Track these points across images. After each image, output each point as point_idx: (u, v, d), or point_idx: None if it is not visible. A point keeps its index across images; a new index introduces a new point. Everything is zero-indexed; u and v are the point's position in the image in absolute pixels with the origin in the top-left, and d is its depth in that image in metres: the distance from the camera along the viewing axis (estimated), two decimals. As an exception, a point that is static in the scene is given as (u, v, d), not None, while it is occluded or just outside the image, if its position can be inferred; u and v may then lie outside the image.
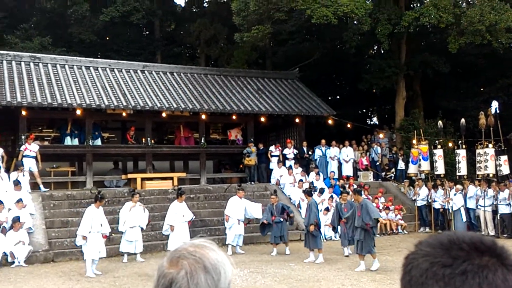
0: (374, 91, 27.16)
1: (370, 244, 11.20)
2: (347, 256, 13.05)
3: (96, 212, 11.74)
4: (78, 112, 17.53)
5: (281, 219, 13.84)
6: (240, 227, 13.97)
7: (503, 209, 16.14)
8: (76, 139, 18.52)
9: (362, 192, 13.85)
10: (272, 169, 19.86)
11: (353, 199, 12.94)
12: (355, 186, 16.93)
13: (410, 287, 0.95)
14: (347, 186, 18.10)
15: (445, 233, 1.00)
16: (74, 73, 19.21)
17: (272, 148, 20.54)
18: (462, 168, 17.77)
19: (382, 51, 28.07)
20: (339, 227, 13.62)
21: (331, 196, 17.26)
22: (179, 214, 13.15)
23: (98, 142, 18.74)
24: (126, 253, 12.68)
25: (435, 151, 18.48)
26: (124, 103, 18.07)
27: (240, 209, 14.04)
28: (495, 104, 16.83)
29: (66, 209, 15.43)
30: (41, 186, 16.36)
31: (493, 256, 0.93)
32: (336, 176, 19.74)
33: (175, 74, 21.27)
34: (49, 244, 13.77)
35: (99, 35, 27.89)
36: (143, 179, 18.16)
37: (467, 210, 17.09)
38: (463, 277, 0.88)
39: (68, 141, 18.41)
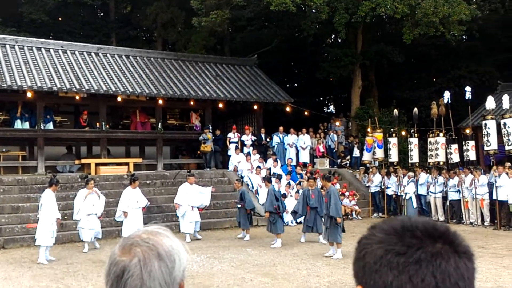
0: (331, 79, 27.48)
1: (336, 232, 11.04)
2: (302, 241, 13.19)
3: (52, 196, 11.45)
4: (29, 94, 16.90)
5: (239, 205, 14.00)
6: (195, 213, 13.82)
7: (452, 196, 16.75)
8: (27, 123, 17.89)
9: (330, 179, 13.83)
10: (230, 156, 19.82)
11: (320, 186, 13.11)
12: (312, 174, 17.11)
13: (363, 273, 0.96)
14: (314, 173, 18.29)
15: (398, 218, 1.00)
16: (24, 54, 18.48)
17: (230, 134, 20.48)
18: (414, 156, 18.30)
19: (339, 40, 28.38)
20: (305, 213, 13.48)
21: (288, 183, 17.42)
22: (132, 200, 12.90)
23: (50, 126, 18.16)
24: (85, 242, 12.19)
25: (389, 139, 18.94)
26: (77, 86, 17.55)
27: (192, 195, 13.92)
28: (447, 95, 17.35)
29: (17, 195, 14.91)
30: None
31: (446, 243, 0.94)
32: (293, 163, 19.92)
33: (131, 57, 20.80)
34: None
35: (51, 15, 26.89)
36: (97, 165, 17.76)
37: (418, 196, 17.63)
38: (416, 266, 0.89)
39: (18, 124, 17.77)
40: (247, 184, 18.03)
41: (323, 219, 12.10)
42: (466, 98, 16.93)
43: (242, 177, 15.86)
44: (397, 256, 0.90)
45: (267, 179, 14.52)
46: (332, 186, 11.94)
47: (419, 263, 0.89)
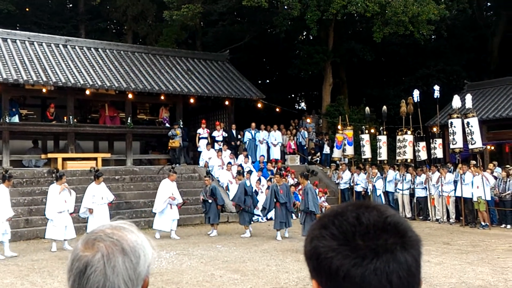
0: (302, 76, 27.62)
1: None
2: (279, 240, 12.96)
3: (6, 192, 11.15)
4: (-6, 86, 16.42)
5: (209, 201, 13.95)
6: (174, 211, 13.69)
7: (419, 193, 17.08)
8: (-9, 116, 17.37)
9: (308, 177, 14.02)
10: (200, 152, 19.71)
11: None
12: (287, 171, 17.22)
13: (319, 274, 1.00)
14: (282, 169, 18.49)
15: (348, 216, 1.01)
16: (-11, 44, 17.92)
17: (200, 130, 20.36)
18: (383, 153, 18.58)
19: (311, 38, 28.53)
20: (274, 209, 13.46)
21: (259, 179, 17.44)
22: (97, 196, 12.65)
23: (16, 119, 17.69)
24: (54, 241, 11.76)
25: (362, 136, 19.17)
26: (44, 79, 17.13)
27: (171, 192, 13.79)
28: (416, 93, 17.64)
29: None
30: None
31: (396, 238, 0.98)
32: (265, 159, 19.96)
33: (100, 50, 20.42)
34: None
35: (18, 6, 26.17)
36: (64, 159, 17.41)
37: (386, 193, 17.92)
38: (372, 274, 0.94)
39: (-18, 117, 17.24)
40: (218, 181, 17.99)
41: (296, 215, 12.29)
42: (435, 97, 17.25)
43: (209, 172, 15.83)
44: (354, 268, 0.95)
45: (240, 173, 14.68)
46: (308, 183, 12.40)
47: (375, 272, 0.94)
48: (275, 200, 13.17)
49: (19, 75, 16.82)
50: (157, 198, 13.81)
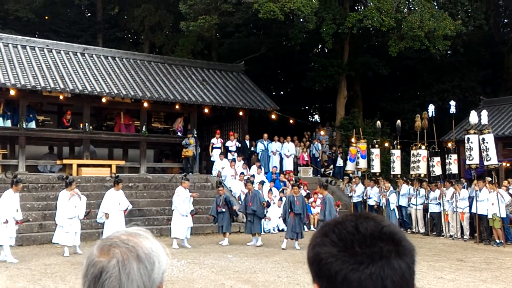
0: (316, 89, 27.65)
1: None
2: (284, 249, 13.21)
3: (15, 197, 11.24)
4: (12, 92, 16.67)
5: (223, 210, 13.96)
6: (188, 219, 13.63)
7: (433, 208, 16.91)
8: (9, 121, 17.62)
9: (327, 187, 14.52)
10: (213, 161, 19.76)
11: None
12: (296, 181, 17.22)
13: (320, 277, 1.09)
14: (299, 181, 18.58)
15: (346, 225, 1.09)
16: (9, 51, 18.23)
17: (213, 140, 20.43)
18: (396, 168, 18.46)
19: (326, 50, 28.60)
20: (288, 219, 13.72)
21: (270, 190, 17.43)
22: (114, 202, 12.72)
23: (32, 125, 17.91)
24: (66, 246, 11.81)
25: (372, 150, 19.09)
26: (62, 86, 17.36)
27: (185, 200, 13.78)
28: (431, 108, 17.53)
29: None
30: None
31: (391, 245, 1.06)
32: (277, 171, 19.94)
33: (117, 59, 20.66)
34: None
35: (38, 14, 26.63)
36: (79, 166, 17.56)
37: (400, 207, 17.77)
38: (368, 279, 1.02)
39: (0, 122, 17.48)
40: (230, 190, 18.00)
41: (308, 227, 12.49)
42: (451, 112, 17.13)
43: (222, 182, 15.88)
44: (351, 272, 1.03)
45: (250, 181, 14.83)
46: (328, 194, 13.23)
47: (370, 277, 1.02)
48: (289, 210, 13.40)
49: (37, 82, 17.07)
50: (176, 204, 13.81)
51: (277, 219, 16.52)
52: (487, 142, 15.04)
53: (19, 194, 11.64)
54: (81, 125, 18.42)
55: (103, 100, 18.27)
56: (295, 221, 13.29)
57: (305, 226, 14.54)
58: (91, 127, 18.64)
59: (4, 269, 10.08)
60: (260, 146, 20.98)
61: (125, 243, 1.17)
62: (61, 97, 17.61)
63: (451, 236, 16.09)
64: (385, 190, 17.73)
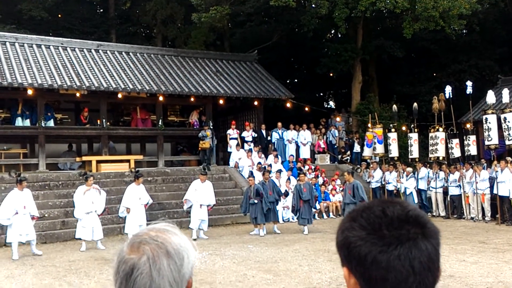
0: (331, 75, 27.44)
1: None
2: (306, 234, 13.63)
3: (21, 194, 11.49)
4: (29, 92, 16.90)
5: (255, 201, 13.81)
6: (202, 211, 13.61)
7: (453, 191, 16.75)
8: (28, 120, 17.89)
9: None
10: (230, 152, 19.82)
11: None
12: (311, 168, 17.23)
13: (349, 261, 1.13)
14: (305, 168, 18.58)
15: (374, 210, 1.14)
16: (24, 51, 18.46)
17: (229, 131, 20.47)
18: (414, 151, 18.29)
19: (339, 35, 28.32)
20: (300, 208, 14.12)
21: (289, 178, 17.43)
22: (135, 197, 12.89)
23: (51, 123, 18.16)
24: (84, 241, 12.09)
25: (389, 134, 18.93)
26: (78, 83, 17.53)
27: (201, 193, 13.79)
28: (448, 89, 17.29)
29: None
30: None
31: (418, 228, 1.10)
32: (294, 159, 19.93)
33: (131, 54, 20.77)
34: (1, 228, 13.30)
35: (51, 12, 26.83)
36: (98, 162, 17.78)
37: (419, 191, 17.64)
38: (396, 259, 1.07)
39: (19, 122, 17.77)
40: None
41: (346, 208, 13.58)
42: (467, 92, 16.88)
43: (252, 173, 15.73)
44: (380, 254, 1.07)
45: (267, 171, 14.93)
46: (356, 180, 14.13)
47: (399, 257, 1.07)
48: (299, 199, 13.90)
49: (54, 80, 17.26)
50: (185, 198, 13.92)
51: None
52: (508, 121, 14.80)
53: (30, 191, 11.94)
54: (99, 121, 18.61)
55: (119, 95, 18.42)
56: (304, 208, 13.87)
57: (315, 214, 15.46)
58: (108, 123, 18.82)
59: (29, 266, 10.31)
60: (275, 136, 20.97)
61: (154, 239, 1.20)
62: (77, 94, 17.81)
63: (472, 218, 15.94)
64: (407, 175, 17.61)
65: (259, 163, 18.31)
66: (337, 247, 1.18)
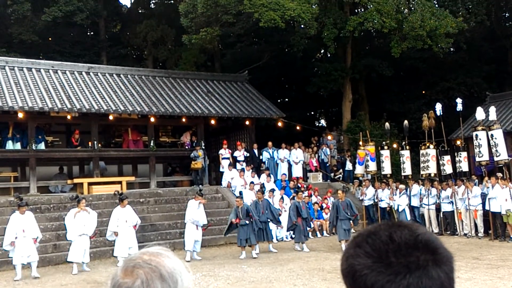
0: (321, 94, 27.64)
1: (350, 231, 14.03)
2: (307, 251, 13.87)
3: (21, 218, 11.74)
4: (20, 115, 16.84)
5: (247, 222, 13.43)
6: (198, 232, 13.49)
7: (445, 207, 16.81)
8: (18, 143, 17.79)
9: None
10: (223, 172, 19.79)
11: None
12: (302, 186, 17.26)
13: None
14: (307, 187, 18.85)
15: (380, 234, 1.07)
16: (15, 74, 18.44)
17: (221, 151, 20.47)
18: (407, 168, 18.37)
19: (329, 55, 28.64)
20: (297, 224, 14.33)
21: (282, 198, 17.40)
22: (121, 219, 12.85)
23: (42, 146, 18.07)
24: (75, 263, 12.11)
25: (382, 151, 19.03)
26: (69, 106, 17.51)
27: (198, 214, 13.73)
28: (438, 107, 17.44)
29: (9, 216, 14.69)
30: None
31: (428, 254, 1.03)
32: (286, 178, 19.93)
33: (121, 76, 20.82)
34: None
35: (41, 36, 26.90)
36: (90, 184, 17.67)
37: (412, 208, 17.68)
38: None
39: (9, 145, 17.66)
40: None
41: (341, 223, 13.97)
42: (457, 109, 17.07)
43: (241, 194, 15.56)
44: (388, 284, 0.99)
45: (260, 191, 14.89)
46: (347, 198, 14.88)
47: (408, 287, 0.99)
48: (297, 215, 14.12)
49: (44, 103, 17.23)
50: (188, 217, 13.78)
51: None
52: (495, 138, 14.98)
53: (32, 214, 12.26)
54: (90, 143, 18.55)
55: (110, 117, 18.41)
56: (303, 225, 14.19)
57: (309, 233, 15.84)
58: (99, 144, 18.76)
59: (21, 291, 10.16)
60: (265, 155, 20.98)
61: (148, 263, 1.20)
62: (68, 117, 17.78)
63: (465, 234, 15.98)
64: (399, 192, 17.68)
65: (252, 182, 18.29)
66: (342, 275, 1.10)
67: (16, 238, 11.55)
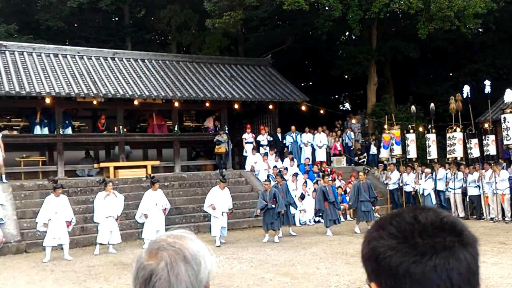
0: (346, 77, 27.33)
1: (373, 212, 14.34)
2: (331, 235, 13.77)
3: (55, 200, 11.99)
4: (47, 100, 17.16)
5: (273, 206, 13.43)
6: (224, 218, 13.40)
7: (472, 191, 16.54)
8: (46, 128, 18.16)
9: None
10: (246, 156, 19.86)
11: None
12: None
13: (378, 274, 1.02)
14: (331, 171, 18.79)
15: (404, 217, 1.04)
16: (42, 61, 18.75)
17: (245, 135, 20.51)
18: (433, 152, 18.10)
19: (354, 37, 28.22)
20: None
21: (305, 182, 17.39)
22: (152, 202, 13.01)
23: (69, 131, 18.41)
24: (98, 244, 12.46)
25: (407, 135, 18.77)
26: (95, 91, 17.76)
27: (221, 200, 13.62)
28: (466, 89, 17.06)
29: (38, 199, 15.10)
30: (3, 176, 15.82)
31: (454, 237, 1.00)
32: (310, 162, 19.88)
33: (146, 61, 20.97)
34: (21, 235, 13.54)
35: (67, 22, 27.22)
36: (116, 168, 17.96)
37: (437, 192, 17.46)
38: (432, 272, 0.97)
39: (37, 130, 18.05)
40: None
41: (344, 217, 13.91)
42: (486, 92, 16.67)
43: (268, 177, 15.51)
44: (413, 265, 0.97)
45: (279, 175, 15.00)
46: (367, 180, 14.99)
47: (435, 269, 0.96)
48: (324, 200, 14.06)
49: (71, 89, 17.51)
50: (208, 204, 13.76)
51: (313, 211, 16.51)
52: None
53: (66, 197, 12.62)
54: (116, 128, 18.81)
55: (135, 102, 18.60)
56: (330, 209, 14.09)
57: (341, 216, 15.51)
58: (125, 129, 19.02)
59: (49, 272, 10.44)
60: (288, 139, 20.94)
61: (172, 245, 1.22)
62: (94, 102, 18.03)
63: (491, 218, 15.73)
64: (425, 176, 17.47)
65: (275, 166, 18.31)
66: (363, 260, 1.06)
67: (49, 220, 11.81)
